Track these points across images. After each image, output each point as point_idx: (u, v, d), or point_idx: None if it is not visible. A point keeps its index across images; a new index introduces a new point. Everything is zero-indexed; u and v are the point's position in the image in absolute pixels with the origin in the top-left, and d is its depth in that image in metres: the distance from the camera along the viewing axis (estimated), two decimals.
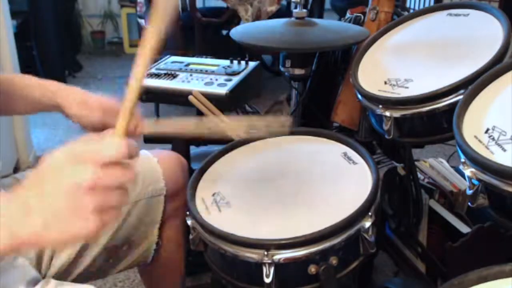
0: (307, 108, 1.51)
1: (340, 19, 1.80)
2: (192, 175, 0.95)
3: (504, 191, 0.66)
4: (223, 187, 0.92)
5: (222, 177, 0.96)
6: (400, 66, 1.03)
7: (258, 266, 0.75)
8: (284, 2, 3.17)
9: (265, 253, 0.74)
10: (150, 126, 0.81)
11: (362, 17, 1.40)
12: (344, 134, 1.06)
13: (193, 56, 1.57)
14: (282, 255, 0.75)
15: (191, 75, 1.38)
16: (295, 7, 1.30)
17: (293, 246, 0.75)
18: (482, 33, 0.99)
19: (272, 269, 0.74)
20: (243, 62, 1.43)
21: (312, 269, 0.76)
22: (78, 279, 0.93)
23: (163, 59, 1.53)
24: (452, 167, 1.45)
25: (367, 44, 1.13)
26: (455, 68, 0.93)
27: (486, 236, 1.09)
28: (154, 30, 0.55)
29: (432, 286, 1.25)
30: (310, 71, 1.43)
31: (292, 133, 1.06)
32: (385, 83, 0.99)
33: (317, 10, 3.10)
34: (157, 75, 1.39)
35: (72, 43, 4.11)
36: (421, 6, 3.40)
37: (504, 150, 0.71)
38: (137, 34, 4.09)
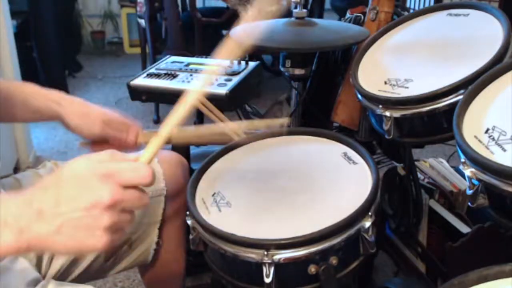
0: (307, 108, 1.51)
1: (340, 19, 1.79)
2: (192, 175, 0.95)
3: (504, 191, 0.66)
4: (223, 187, 0.92)
5: (222, 177, 0.96)
6: (400, 66, 1.03)
7: (258, 266, 0.75)
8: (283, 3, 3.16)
9: (265, 253, 0.74)
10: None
11: (362, 17, 1.40)
12: (344, 134, 1.06)
13: (193, 56, 1.57)
14: (282, 255, 0.75)
15: (191, 75, 1.38)
16: (295, 7, 1.30)
17: (293, 246, 0.75)
18: (482, 33, 0.99)
19: (272, 269, 0.74)
20: (243, 62, 1.43)
21: (312, 269, 0.76)
22: (78, 279, 0.93)
23: (163, 59, 1.53)
24: (452, 167, 1.45)
25: (367, 44, 1.13)
26: (455, 68, 0.92)
27: (486, 236, 1.09)
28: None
29: (432, 286, 1.24)
30: (310, 71, 1.43)
31: (292, 133, 1.06)
32: (385, 83, 0.99)
33: (317, 10, 3.09)
34: (157, 75, 1.39)
35: (72, 43, 4.11)
36: (421, 6, 3.41)
37: (504, 150, 0.70)
38: (137, 34, 4.08)
